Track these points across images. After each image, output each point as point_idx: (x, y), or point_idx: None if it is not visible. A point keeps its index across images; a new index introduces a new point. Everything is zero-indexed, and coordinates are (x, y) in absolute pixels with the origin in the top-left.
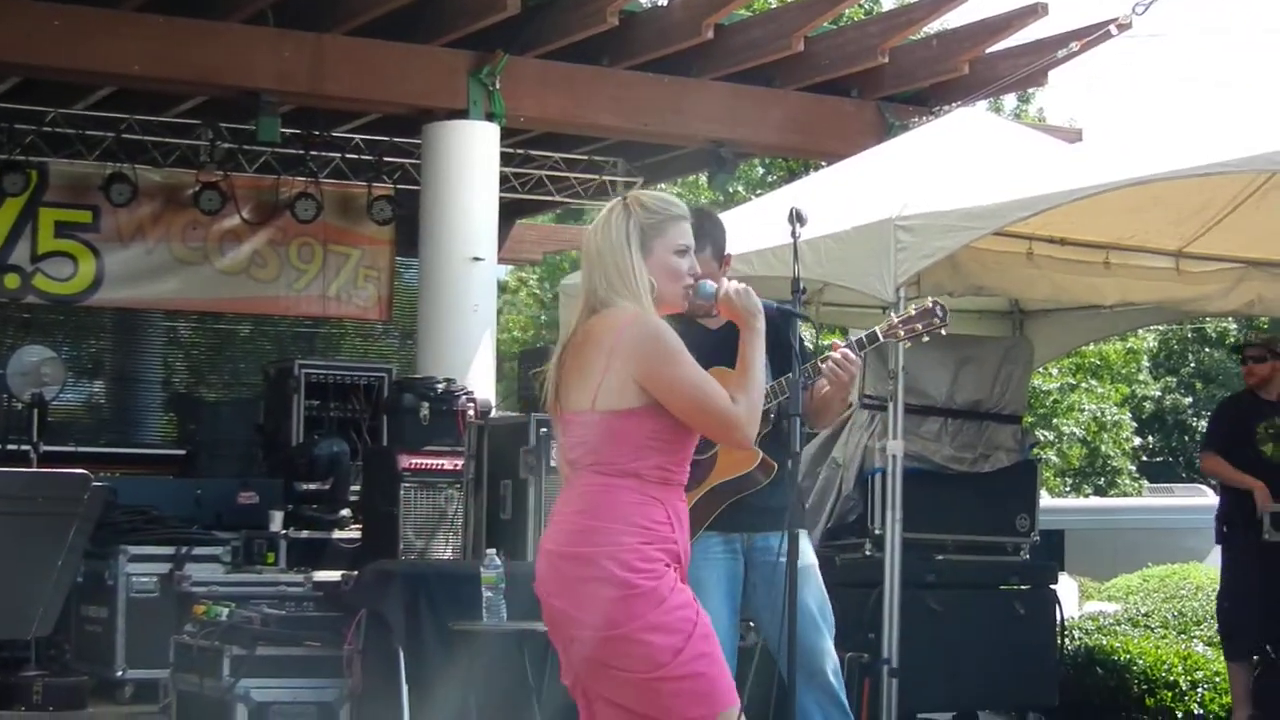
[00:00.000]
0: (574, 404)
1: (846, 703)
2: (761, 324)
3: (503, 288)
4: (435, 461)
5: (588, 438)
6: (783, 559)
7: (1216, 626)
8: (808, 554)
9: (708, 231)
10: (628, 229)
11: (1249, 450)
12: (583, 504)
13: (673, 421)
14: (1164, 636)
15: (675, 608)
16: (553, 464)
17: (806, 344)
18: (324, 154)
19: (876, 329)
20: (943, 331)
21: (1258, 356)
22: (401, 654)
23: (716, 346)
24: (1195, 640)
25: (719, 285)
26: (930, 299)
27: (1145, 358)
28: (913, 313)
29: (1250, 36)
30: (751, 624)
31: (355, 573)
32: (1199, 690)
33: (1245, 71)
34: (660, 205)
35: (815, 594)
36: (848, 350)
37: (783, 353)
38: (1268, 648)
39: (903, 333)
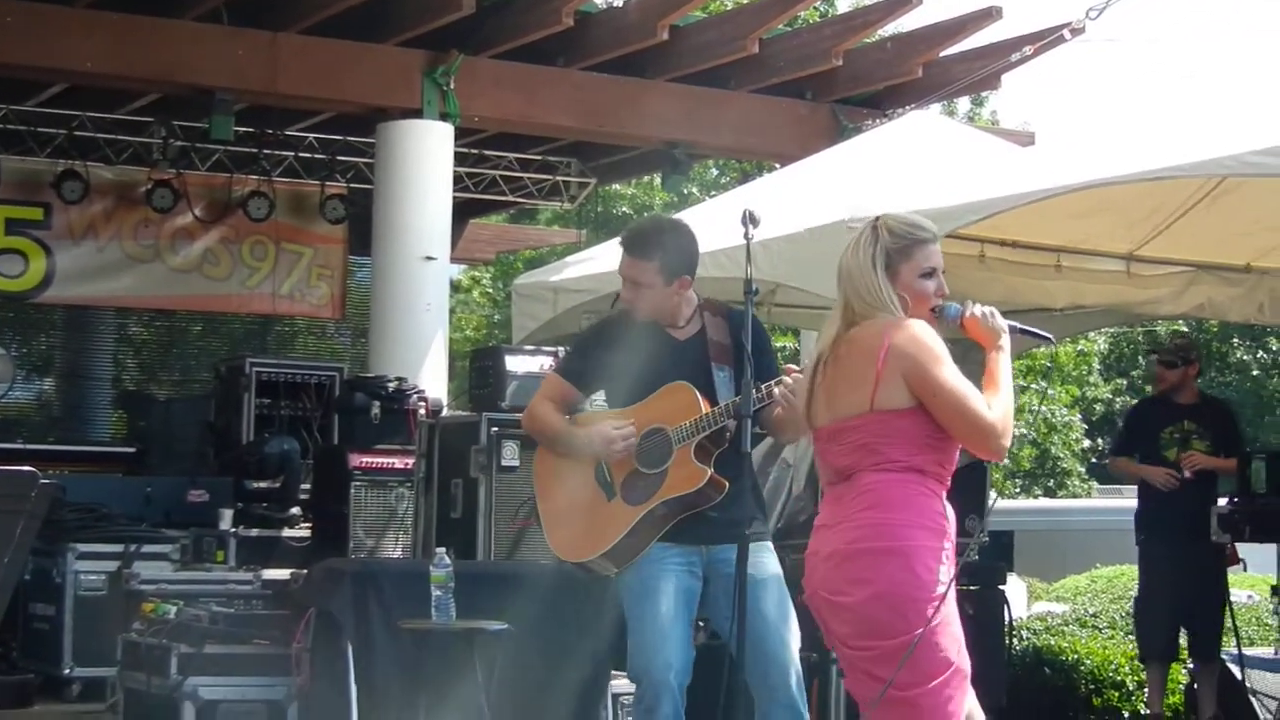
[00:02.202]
0: (847, 410)
1: (806, 716)
2: (1007, 342)
3: (455, 287)
4: (386, 460)
5: (867, 440)
6: (750, 570)
7: (1134, 629)
8: (770, 564)
9: (660, 243)
10: (874, 253)
11: (1154, 454)
12: (873, 500)
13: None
14: (1111, 637)
15: (956, 628)
16: (504, 463)
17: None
18: (277, 152)
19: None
20: None
21: (1169, 362)
22: (350, 652)
23: (681, 355)
24: None
25: (965, 308)
26: None
27: (1096, 360)
28: None
29: (1203, 41)
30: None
31: (305, 571)
32: (1145, 690)
33: (1196, 76)
34: (906, 230)
35: (777, 604)
36: (799, 375)
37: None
38: (1188, 663)
39: None
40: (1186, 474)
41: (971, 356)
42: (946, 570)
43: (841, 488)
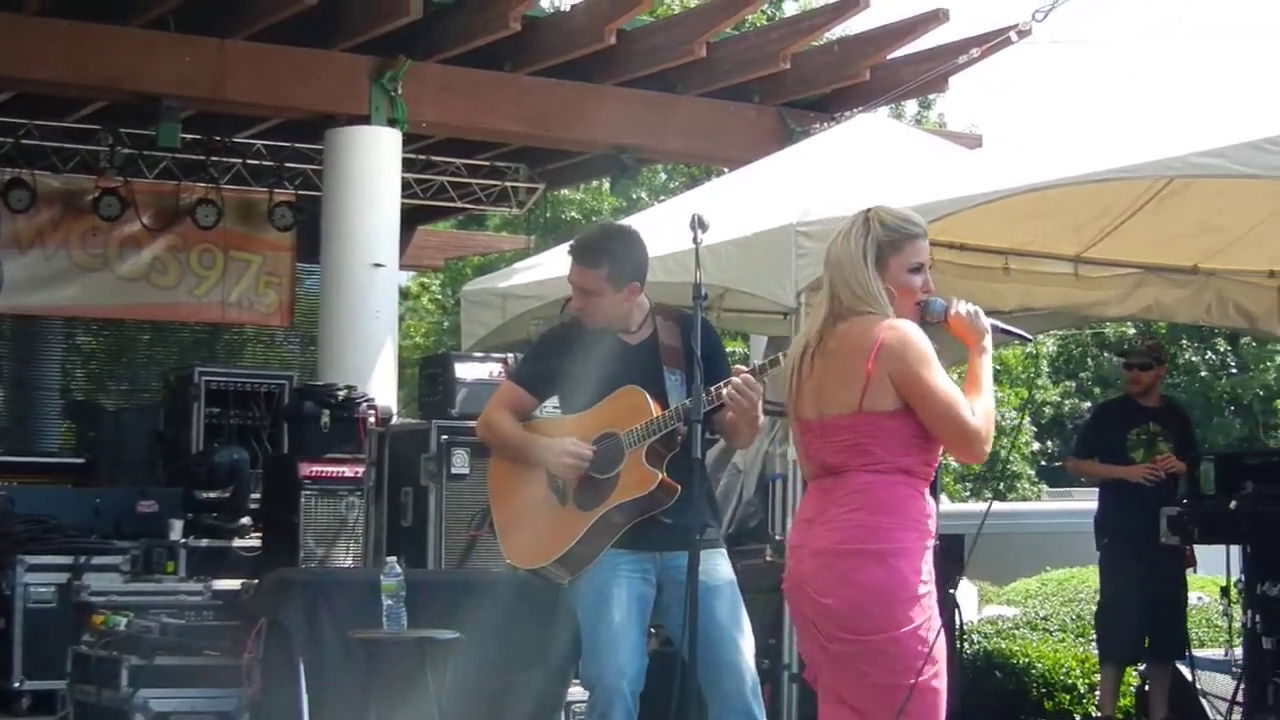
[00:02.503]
0: (835, 408)
1: None
2: (990, 343)
3: (404, 294)
4: (336, 469)
5: (856, 440)
6: (702, 577)
7: (1094, 629)
8: (724, 571)
9: (609, 250)
10: (865, 244)
11: (1120, 456)
12: (860, 502)
13: None
14: (1062, 640)
15: (930, 619)
16: (454, 471)
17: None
18: (225, 160)
19: (780, 355)
20: None
21: (1144, 364)
22: (301, 663)
23: (634, 360)
24: (1093, 643)
25: (950, 304)
26: None
27: (1045, 362)
28: None
29: (1148, 43)
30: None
31: (255, 581)
32: (1097, 693)
33: (1141, 78)
34: (898, 223)
35: (731, 610)
36: (749, 375)
37: (704, 360)
38: (1140, 665)
39: None
40: (1162, 474)
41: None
42: (929, 566)
43: (829, 482)
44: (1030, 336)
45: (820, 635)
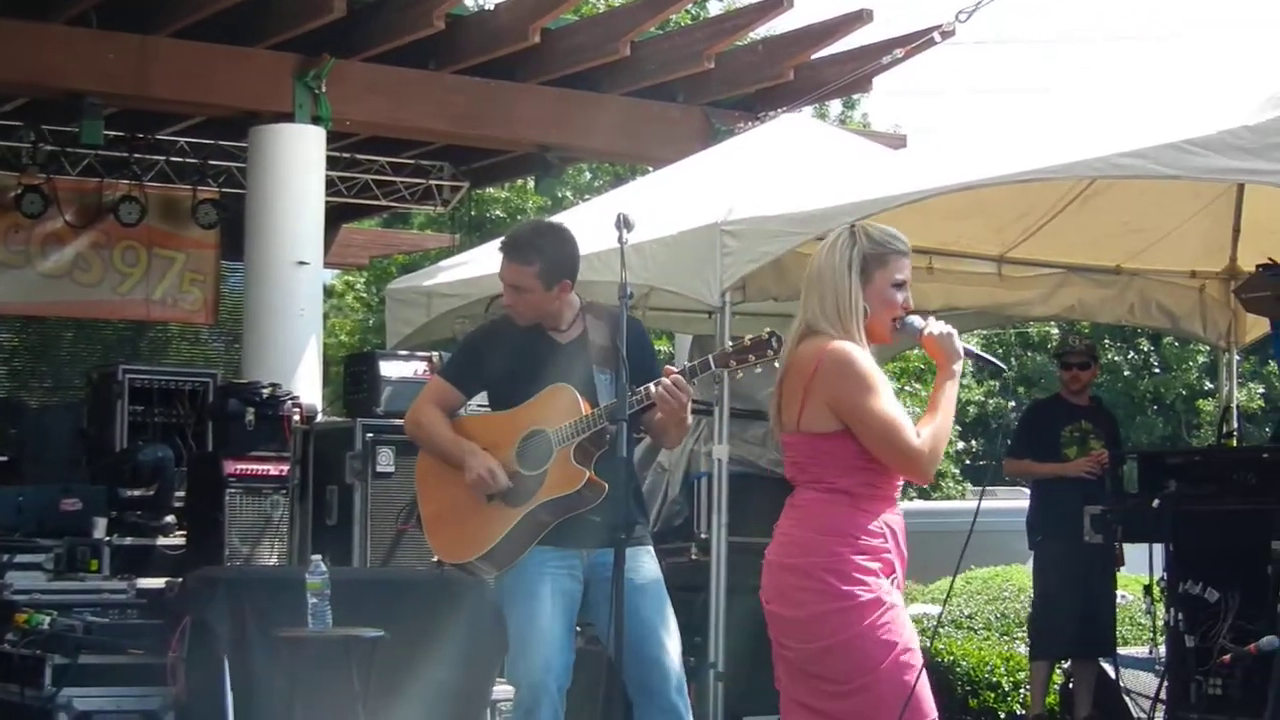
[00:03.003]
0: (786, 426)
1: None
2: (959, 368)
3: (329, 292)
4: (261, 467)
5: (798, 457)
6: (629, 575)
7: (1028, 626)
8: (650, 569)
9: (540, 247)
10: (850, 256)
11: (1053, 454)
12: (798, 517)
13: None
14: (987, 638)
15: (886, 620)
16: (379, 469)
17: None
18: (148, 157)
19: (710, 357)
20: (775, 364)
21: (1083, 364)
22: (226, 661)
23: (563, 358)
24: (1017, 641)
25: (925, 324)
26: (768, 330)
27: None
28: (747, 343)
29: (1071, 44)
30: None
31: (180, 579)
32: (1021, 691)
33: (1067, 78)
34: (885, 237)
35: (658, 609)
36: (678, 377)
37: (632, 359)
38: (1064, 663)
39: (734, 363)
40: (1100, 468)
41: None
42: (875, 579)
43: (791, 497)
44: (1005, 368)
45: (779, 641)
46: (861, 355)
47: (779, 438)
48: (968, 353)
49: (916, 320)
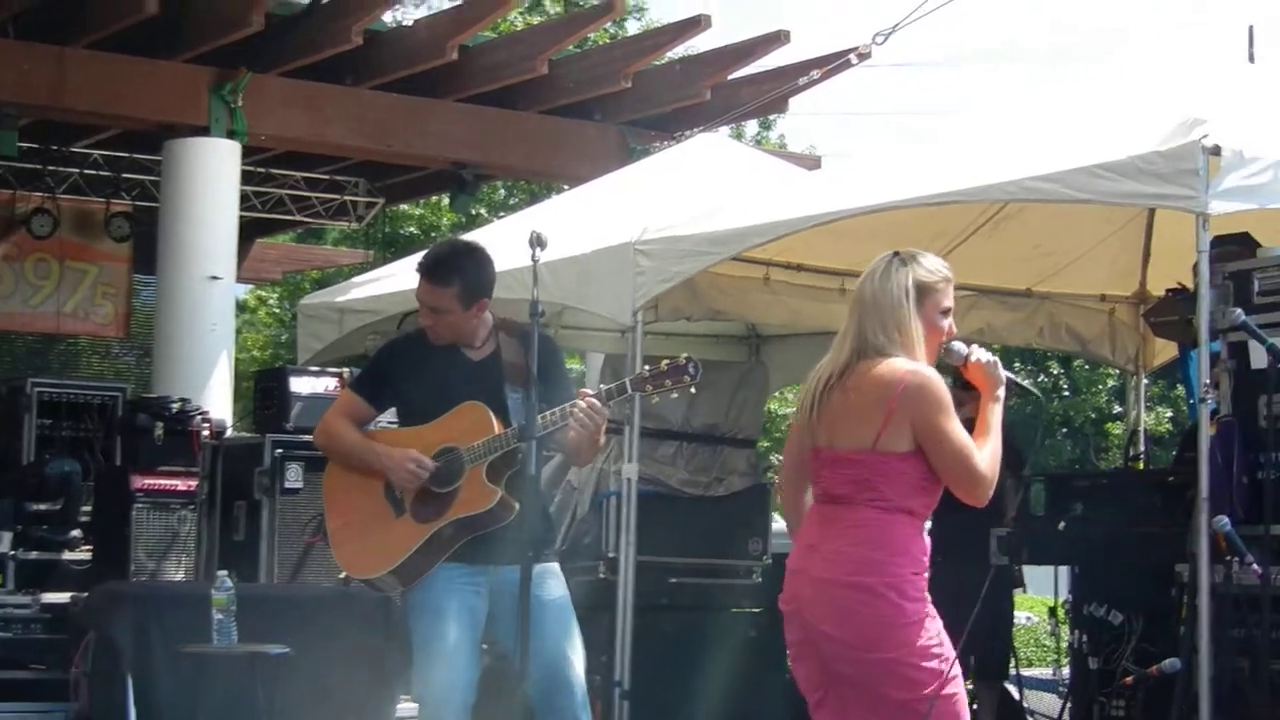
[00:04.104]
0: (849, 442)
1: None
2: (1003, 393)
3: (242, 307)
4: (169, 482)
5: (865, 476)
6: (535, 593)
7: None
8: (556, 587)
9: (459, 268)
10: (907, 285)
11: None
12: (863, 536)
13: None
14: None
15: (938, 637)
16: (288, 485)
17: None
18: (62, 169)
19: (627, 381)
20: (692, 390)
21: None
22: (130, 677)
23: (476, 376)
24: None
25: (970, 351)
26: (685, 355)
27: None
28: (664, 368)
29: (987, 68)
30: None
31: (85, 594)
32: None
33: (981, 101)
34: (937, 265)
35: (564, 627)
36: (594, 400)
37: (545, 378)
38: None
39: (651, 388)
40: None
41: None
42: (926, 597)
43: (831, 511)
44: (1040, 394)
45: (826, 658)
46: (940, 379)
47: (815, 449)
48: (1008, 380)
49: (961, 346)
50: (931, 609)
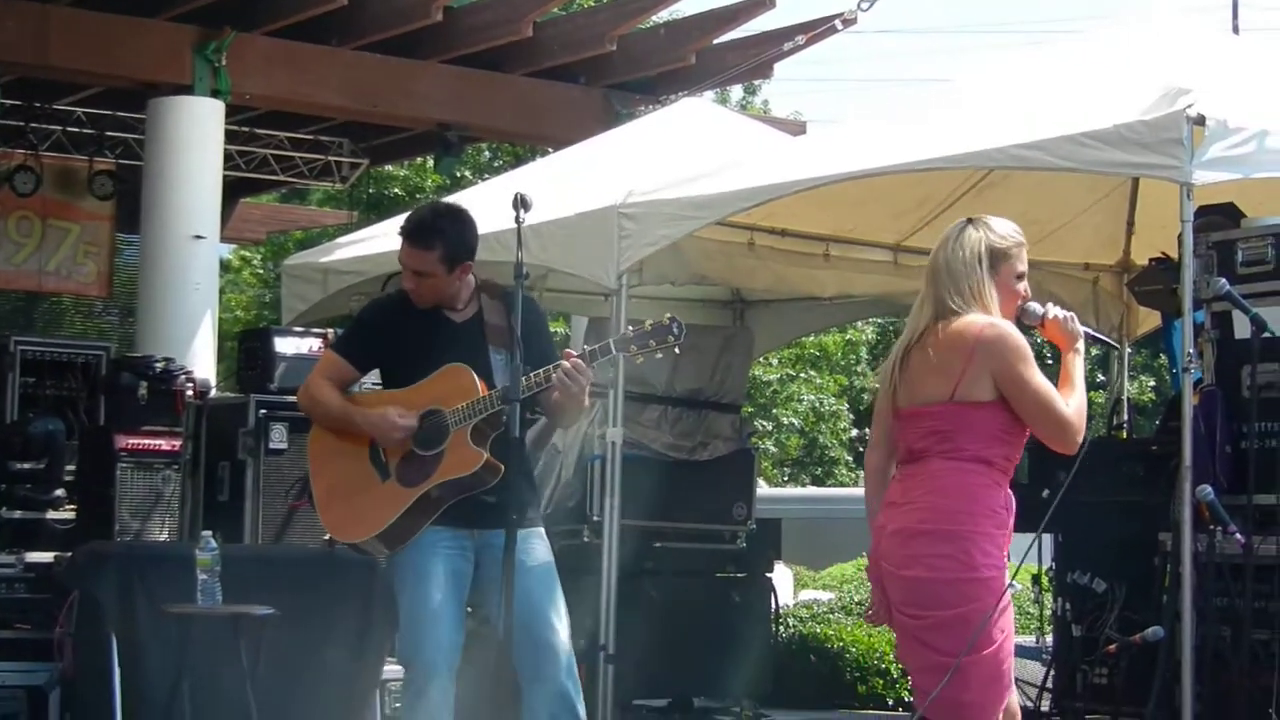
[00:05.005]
0: (927, 397)
1: (579, 703)
2: (1082, 346)
3: (225, 266)
4: (153, 442)
5: (942, 427)
6: (520, 557)
7: None
8: (540, 551)
9: (441, 230)
10: (980, 251)
11: None
12: (936, 485)
13: (1016, 416)
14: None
15: (1007, 601)
16: (272, 445)
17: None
18: (45, 126)
19: (611, 341)
20: (676, 350)
21: None
22: (114, 637)
23: (459, 338)
24: None
25: (1045, 310)
26: (669, 315)
27: (864, 349)
28: (648, 328)
29: (971, 36)
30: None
31: (69, 554)
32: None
33: (965, 69)
34: (1010, 231)
35: (548, 591)
36: (579, 360)
37: (528, 339)
38: None
39: (635, 348)
40: None
41: None
42: (1002, 556)
43: (911, 468)
44: (1115, 344)
45: (893, 605)
46: (1017, 330)
47: (893, 411)
48: (1085, 333)
49: (1036, 306)
50: (1002, 570)
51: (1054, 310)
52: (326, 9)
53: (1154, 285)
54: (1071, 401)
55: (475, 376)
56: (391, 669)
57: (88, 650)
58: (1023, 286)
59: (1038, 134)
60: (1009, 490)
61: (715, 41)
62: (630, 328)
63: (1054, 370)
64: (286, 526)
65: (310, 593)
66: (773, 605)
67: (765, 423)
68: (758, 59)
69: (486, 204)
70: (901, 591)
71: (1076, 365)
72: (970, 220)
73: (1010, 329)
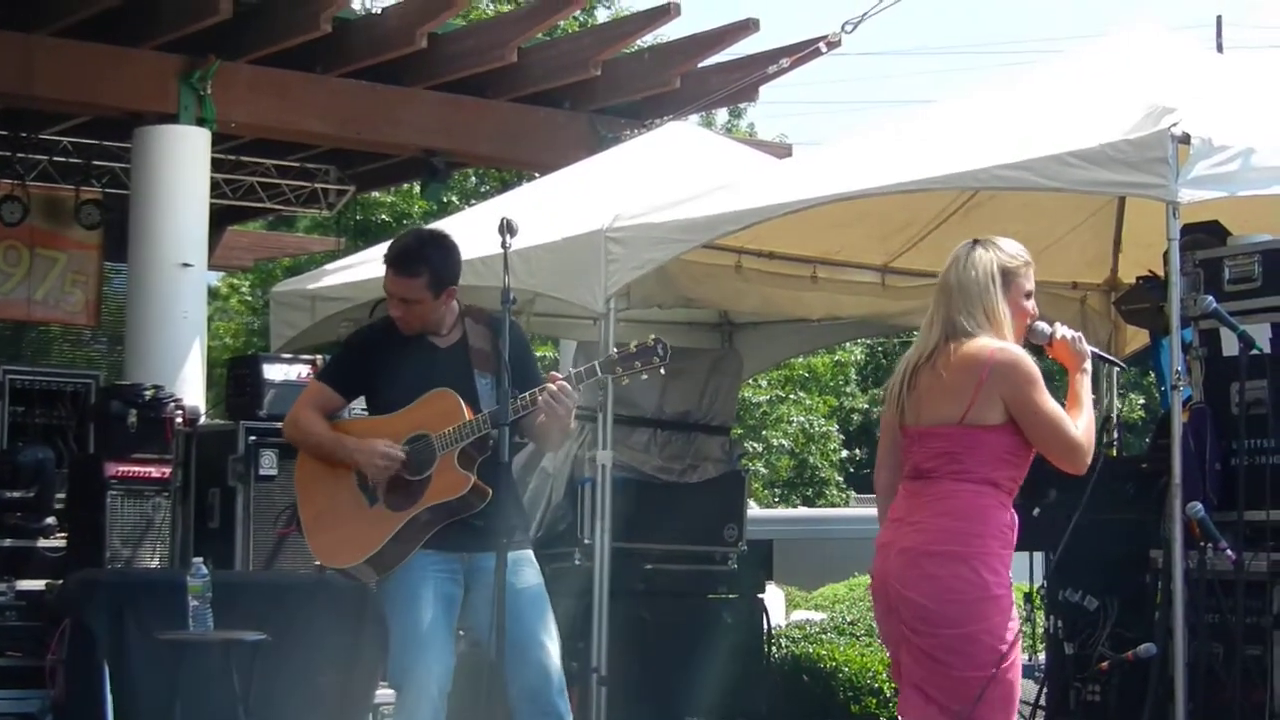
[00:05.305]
0: (937, 418)
1: None
2: (1089, 366)
3: (213, 294)
4: (142, 469)
5: (952, 448)
6: (510, 580)
7: None
8: (530, 574)
9: (426, 258)
10: (993, 271)
11: None
12: (946, 508)
13: (1024, 439)
14: (869, 644)
15: (1012, 619)
16: (262, 472)
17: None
18: (31, 156)
19: (596, 364)
20: (661, 371)
21: None
22: (106, 664)
23: (444, 362)
24: None
25: (1054, 329)
26: (653, 336)
27: (853, 370)
28: (633, 350)
29: (957, 57)
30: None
31: (60, 582)
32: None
33: (950, 90)
34: (1018, 250)
35: (539, 613)
36: (564, 384)
37: (512, 364)
38: None
39: (621, 370)
40: None
41: None
42: (1007, 571)
43: (918, 485)
44: (1125, 366)
45: (904, 625)
46: (1028, 356)
47: (905, 428)
48: (1092, 353)
49: (1045, 326)
50: (1009, 589)
51: (1062, 330)
52: (311, 37)
53: (1141, 303)
54: (1080, 423)
55: (461, 401)
56: (383, 692)
57: (80, 677)
58: (1031, 305)
59: (1024, 154)
60: (1013, 510)
61: (700, 65)
62: (615, 350)
63: (1058, 389)
64: (277, 552)
65: (301, 618)
66: (765, 626)
67: (755, 444)
68: (742, 82)
69: (473, 229)
70: (912, 611)
71: (1084, 386)
72: (977, 241)
73: (1022, 354)
